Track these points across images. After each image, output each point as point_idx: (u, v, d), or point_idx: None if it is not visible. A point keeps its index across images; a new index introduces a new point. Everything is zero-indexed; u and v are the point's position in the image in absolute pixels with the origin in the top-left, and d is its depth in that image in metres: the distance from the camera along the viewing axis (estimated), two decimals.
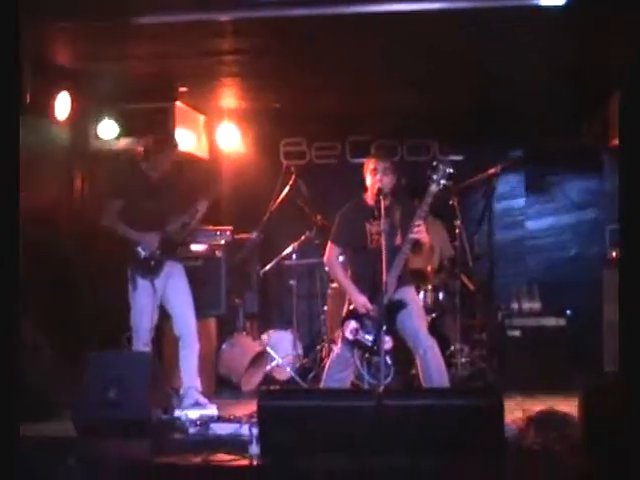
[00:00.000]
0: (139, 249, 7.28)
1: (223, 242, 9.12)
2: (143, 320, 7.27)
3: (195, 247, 8.72)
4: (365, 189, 6.79)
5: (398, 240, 6.57)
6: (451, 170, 6.46)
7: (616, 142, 8.76)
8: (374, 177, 6.64)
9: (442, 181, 6.45)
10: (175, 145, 7.62)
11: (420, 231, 6.44)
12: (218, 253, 9.11)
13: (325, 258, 6.92)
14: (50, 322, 7.51)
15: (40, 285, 7.57)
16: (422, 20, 6.53)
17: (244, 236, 9.52)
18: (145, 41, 7.30)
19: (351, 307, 6.65)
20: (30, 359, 7.03)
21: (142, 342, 7.23)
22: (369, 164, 6.75)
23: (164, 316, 7.45)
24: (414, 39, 7.14)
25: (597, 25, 6.69)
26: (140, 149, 7.73)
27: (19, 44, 4.48)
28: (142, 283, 7.26)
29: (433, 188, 6.46)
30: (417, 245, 6.56)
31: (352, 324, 6.57)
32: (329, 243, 6.91)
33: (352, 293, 6.65)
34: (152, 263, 7.30)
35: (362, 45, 7.37)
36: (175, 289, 7.43)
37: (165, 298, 7.39)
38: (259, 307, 10.01)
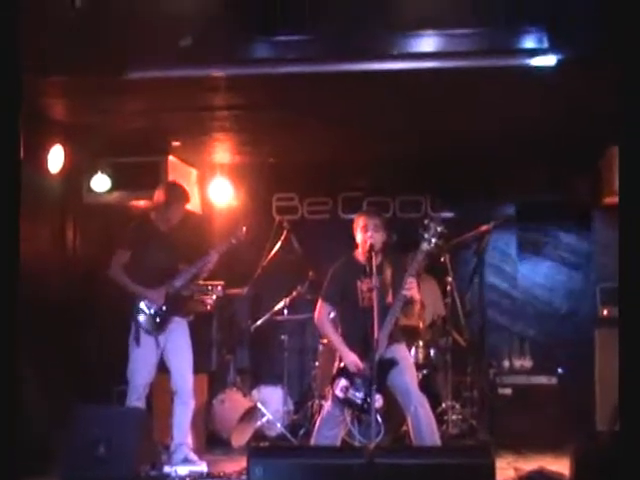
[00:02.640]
0: (145, 304, 7.24)
1: (214, 297, 9.10)
2: (142, 375, 7.21)
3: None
4: (356, 245, 6.77)
5: (389, 298, 6.54)
6: (442, 228, 6.44)
7: (608, 200, 8.81)
8: (365, 234, 6.61)
9: (433, 239, 6.43)
10: (188, 197, 7.63)
11: (412, 288, 6.42)
12: (209, 308, 9.11)
13: (315, 316, 6.85)
14: (40, 374, 7.45)
15: (30, 337, 7.53)
16: (415, 78, 6.58)
17: (235, 291, 9.51)
18: (138, 96, 7.33)
19: (342, 365, 6.60)
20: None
21: (136, 396, 7.16)
22: (359, 221, 6.73)
23: (159, 370, 7.39)
24: (407, 96, 7.20)
25: (587, 84, 6.75)
26: (142, 201, 7.72)
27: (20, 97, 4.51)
28: (146, 338, 7.21)
29: (424, 246, 6.43)
30: (408, 303, 6.54)
31: (342, 382, 6.52)
32: (319, 301, 6.85)
33: (343, 351, 6.59)
34: (158, 320, 7.25)
35: (354, 102, 7.43)
36: (176, 345, 7.36)
37: (165, 353, 7.32)
38: (250, 362, 9.99)
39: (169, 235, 7.44)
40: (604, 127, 7.64)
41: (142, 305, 7.21)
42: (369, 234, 6.58)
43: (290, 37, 6.13)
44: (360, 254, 6.69)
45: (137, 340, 7.16)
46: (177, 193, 7.53)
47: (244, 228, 7.48)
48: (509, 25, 5.93)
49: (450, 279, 8.74)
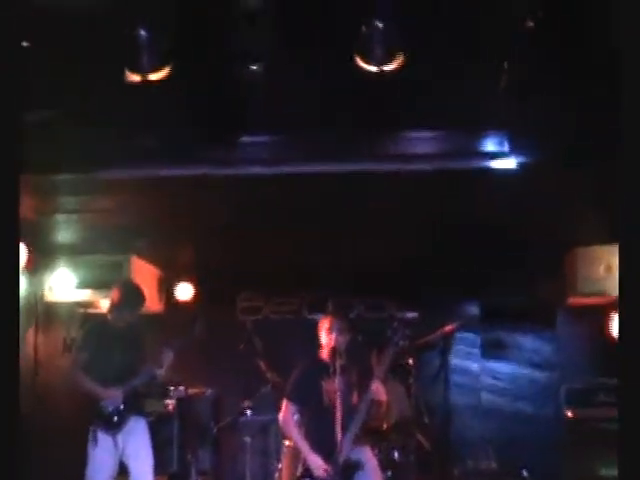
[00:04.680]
0: (103, 404, 7.13)
1: (176, 398, 9.00)
2: (99, 477, 7.07)
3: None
4: (321, 345, 6.76)
5: (354, 398, 6.51)
6: (409, 332, 6.48)
7: (571, 300, 8.89)
8: (329, 336, 6.62)
9: (401, 342, 6.45)
10: (144, 297, 7.58)
11: (378, 392, 6.41)
12: (171, 409, 9.00)
13: (280, 416, 6.80)
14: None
15: None
16: (375, 180, 6.65)
17: (197, 391, 9.42)
18: (104, 195, 7.35)
19: (306, 466, 6.53)
20: None
21: None
22: (324, 322, 6.75)
23: (119, 474, 7.24)
24: (367, 198, 7.26)
25: (548, 187, 6.85)
26: (105, 300, 7.68)
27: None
28: (103, 438, 7.08)
29: (391, 349, 6.46)
30: (374, 404, 6.51)
31: None
32: (284, 400, 6.81)
33: (307, 453, 6.52)
34: (115, 418, 7.14)
35: (316, 203, 7.47)
36: (136, 446, 7.24)
37: (125, 454, 7.19)
38: (212, 464, 9.83)
39: (128, 334, 7.38)
40: (567, 228, 7.77)
41: (100, 405, 7.12)
42: (333, 336, 6.58)
43: (254, 138, 6.20)
44: (325, 354, 6.69)
45: (95, 441, 7.05)
46: (132, 293, 7.50)
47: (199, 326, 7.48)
48: (469, 128, 6.04)
49: (414, 380, 8.71)
